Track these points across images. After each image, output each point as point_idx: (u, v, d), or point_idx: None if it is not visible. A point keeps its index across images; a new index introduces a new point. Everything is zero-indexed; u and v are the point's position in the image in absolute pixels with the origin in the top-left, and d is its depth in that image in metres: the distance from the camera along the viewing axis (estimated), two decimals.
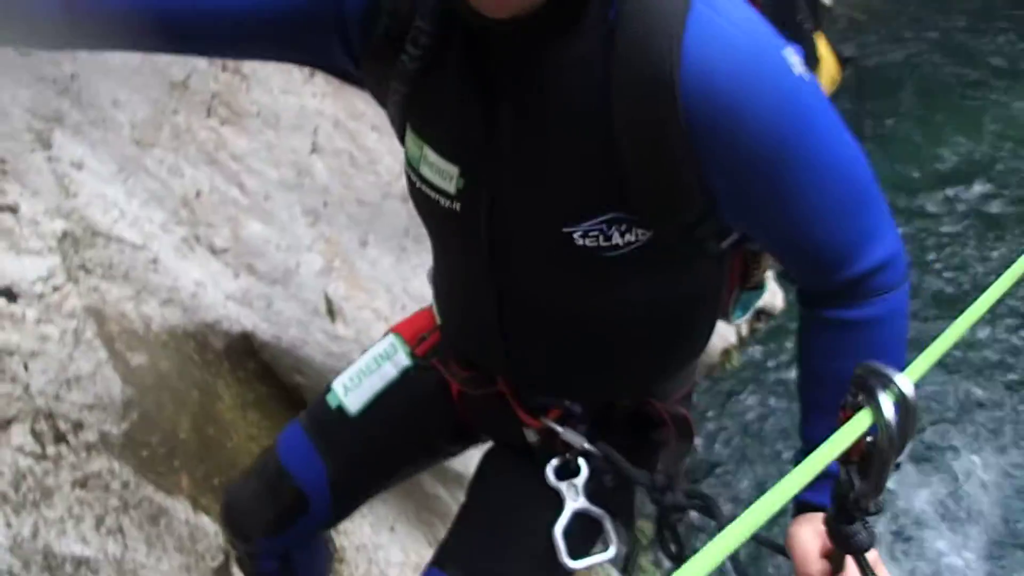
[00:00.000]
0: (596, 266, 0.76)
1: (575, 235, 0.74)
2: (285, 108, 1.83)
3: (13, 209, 1.43)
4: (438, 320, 1.03)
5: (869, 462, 0.63)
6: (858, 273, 0.75)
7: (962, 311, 0.72)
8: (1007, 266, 0.77)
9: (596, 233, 0.74)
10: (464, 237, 0.82)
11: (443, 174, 0.79)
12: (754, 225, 0.76)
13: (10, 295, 1.40)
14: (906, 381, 0.60)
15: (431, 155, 0.79)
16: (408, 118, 0.81)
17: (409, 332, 1.07)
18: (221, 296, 1.76)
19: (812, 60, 0.85)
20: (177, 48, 0.81)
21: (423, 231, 1.00)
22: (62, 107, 1.54)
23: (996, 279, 0.72)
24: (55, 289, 1.46)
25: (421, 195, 0.83)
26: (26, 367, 1.40)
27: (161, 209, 1.67)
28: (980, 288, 0.73)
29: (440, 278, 0.99)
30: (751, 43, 0.67)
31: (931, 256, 3.80)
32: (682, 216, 0.72)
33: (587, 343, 0.87)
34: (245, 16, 0.74)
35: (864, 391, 0.61)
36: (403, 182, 2.17)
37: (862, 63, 5.07)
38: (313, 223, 1.93)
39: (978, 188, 4.31)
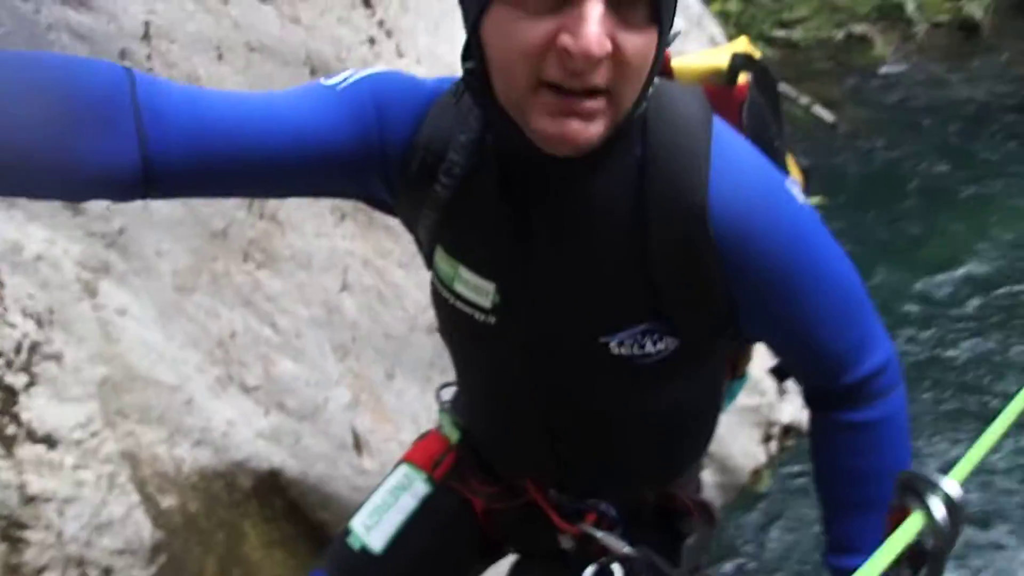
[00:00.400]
0: (631, 372, 0.83)
1: (611, 344, 0.81)
2: (317, 250, 1.93)
3: (58, 357, 1.51)
4: (451, 440, 1.05)
5: (921, 564, 0.68)
6: (859, 377, 0.85)
7: (995, 411, 0.79)
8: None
9: (631, 343, 0.81)
10: (499, 350, 0.87)
11: (479, 290, 0.84)
12: (769, 333, 0.86)
13: (51, 442, 1.45)
14: (953, 485, 0.66)
15: (465, 273, 0.85)
16: (439, 240, 0.87)
17: (422, 458, 1.10)
18: (251, 434, 1.80)
19: (785, 171, 0.97)
20: (239, 192, 0.87)
21: (448, 363, 1.03)
22: (109, 258, 1.63)
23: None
24: (93, 435, 1.51)
25: (455, 311, 0.88)
26: (61, 513, 1.43)
27: (197, 351, 1.74)
28: (1001, 380, 0.81)
29: (469, 394, 1.03)
30: (763, 178, 0.79)
31: (950, 352, 3.75)
32: (709, 325, 0.81)
33: (625, 443, 0.92)
34: (298, 157, 0.79)
35: (911, 495, 0.67)
36: (429, 315, 2.22)
37: (866, 170, 5.20)
38: (342, 358, 1.99)
39: (989, 283, 4.30)
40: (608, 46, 0.65)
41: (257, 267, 1.83)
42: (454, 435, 1.06)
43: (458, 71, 0.77)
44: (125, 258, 1.65)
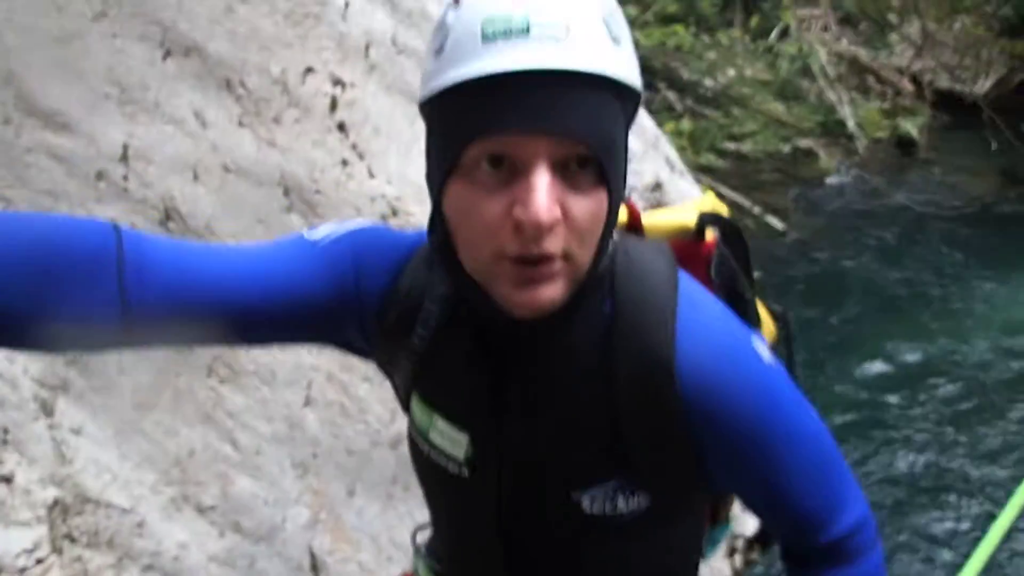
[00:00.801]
0: (603, 532, 0.83)
1: (583, 502, 0.82)
2: (281, 364, 1.92)
3: (8, 479, 1.46)
4: None
5: None
6: (837, 535, 0.84)
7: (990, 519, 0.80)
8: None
9: (603, 500, 0.81)
10: (472, 501, 0.88)
11: (453, 441, 0.85)
12: (741, 490, 0.87)
13: None
14: None
15: (440, 423, 0.85)
16: (416, 388, 0.88)
17: None
18: (204, 558, 1.73)
19: (756, 321, 0.99)
20: (218, 342, 0.89)
21: (411, 479, 1.02)
22: (69, 375, 1.61)
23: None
24: (38, 561, 1.45)
25: (429, 462, 0.88)
26: None
27: (153, 470, 1.69)
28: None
29: (442, 541, 1.01)
30: (729, 337, 0.80)
31: (915, 450, 3.82)
32: (679, 481, 0.82)
33: None
34: (276, 311, 0.81)
35: None
36: (392, 430, 2.20)
37: (814, 275, 5.41)
38: (302, 475, 1.95)
39: (945, 383, 4.45)
40: (557, 213, 0.68)
41: (220, 382, 1.82)
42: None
43: (426, 190, 0.79)
44: (85, 375, 1.62)
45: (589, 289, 0.76)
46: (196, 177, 1.71)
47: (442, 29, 0.71)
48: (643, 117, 4.09)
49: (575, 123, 0.68)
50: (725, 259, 0.93)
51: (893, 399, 4.31)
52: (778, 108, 7.42)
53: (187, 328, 0.78)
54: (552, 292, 0.72)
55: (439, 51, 0.71)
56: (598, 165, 0.70)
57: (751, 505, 0.88)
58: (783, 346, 1.08)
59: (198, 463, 1.75)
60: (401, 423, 2.15)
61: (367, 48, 2.08)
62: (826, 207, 6.66)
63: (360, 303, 0.84)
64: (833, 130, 7.48)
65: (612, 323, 0.78)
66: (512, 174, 0.69)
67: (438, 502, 0.95)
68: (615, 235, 0.80)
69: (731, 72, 7.47)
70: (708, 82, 7.28)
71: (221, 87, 1.74)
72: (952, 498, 3.64)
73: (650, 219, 0.95)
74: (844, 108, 7.59)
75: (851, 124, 7.51)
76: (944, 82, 8.30)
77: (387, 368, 0.90)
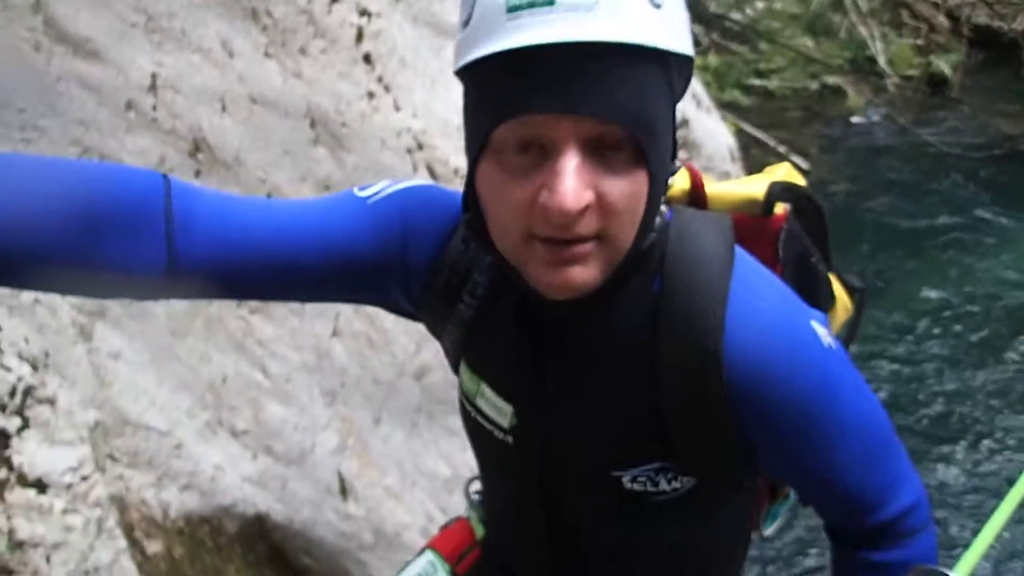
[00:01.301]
0: (644, 507, 0.81)
1: (624, 479, 0.80)
2: None
3: (52, 401, 1.51)
4: (477, 534, 1.06)
5: None
6: (886, 518, 0.82)
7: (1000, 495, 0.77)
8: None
9: (644, 479, 0.80)
10: (515, 467, 0.88)
11: (498, 410, 0.85)
12: (791, 474, 0.84)
13: (41, 486, 1.46)
14: None
15: (487, 391, 0.85)
16: (463, 355, 0.87)
17: (447, 548, 1.08)
18: (238, 479, 1.81)
19: (829, 298, 0.93)
20: (263, 296, 0.89)
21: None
22: (106, 302, 1.65)
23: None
24: (83, 479, 1.52)
25: (475, 424, 0.89)
26: (48, 559, 1.43)
27: (188, 395, 1.75)
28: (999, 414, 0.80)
29: (489, 497, 1.03)
30: (785, 321, 0.75)
31: (936, 393, 3.86)
32: (724, 467, 0.79)
33: (635, 571, 0.91)
34: (322, 269, 0.80)
35: None
36: (417, 361, 2.24)
37: (837, 215, 5.36)
38: (330, 403, 2.01)
39: (969, 324, 4.46)
40: (586, 198, 0.64)
41: (251, 312, 1.86)
42: (480, 531, 1.06)
43: (452, 124, 0.76)
44: (122, 302, 1.66)
45: (634, 268, 0.73)
46: (224, 108, 1.71)
47: None
48: None
49: (605, 101, 0.63)
50: (794, 235, 0.87)
51: (915, 339, 4.32)
52: (807, 43, 7.20)
53: (232, 282, 0.78)
54: (585, 274, 0.68)
55: (467, 21, 0.67)
56: (636, 144, 0.65)
57: (799, 488, 0.86)
58: (853, 320, 1.01)
59: (231, 389, 1.81)
60: (426, 354, 2.20)
61: None
62: (852, 146, 6.53)
63: (406, 266, 0.82)
64: (863, 67, 7.27)
65: (660, 304, 0.74)
66: (541, 156, 0.65)
67: (485, 462, 0.96)
68: (668, 209, 0.77)
69: (760, 5, 7.23)
70: (735, 15, 7.07)
71: (247, 16, 1.72)
72: (977, 445, 3.67)
73: (715, 189, 0.88)
74: (875, 44, 7.35)
75: (882, 61, 7.29)
76: (982, 17, 7.99)
77: (436, 333, 0.89)
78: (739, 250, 0.77)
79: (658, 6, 0.64)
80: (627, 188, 0.66)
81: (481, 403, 0.86)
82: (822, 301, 0.91)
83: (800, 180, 0.93)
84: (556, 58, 0.62)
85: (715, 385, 0.73)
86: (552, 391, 0.81)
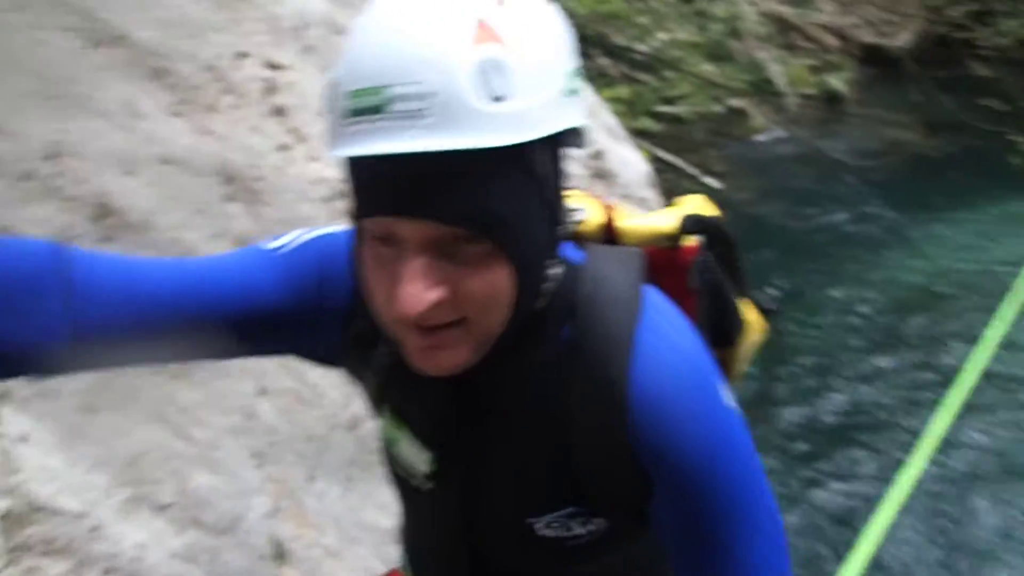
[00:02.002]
0: (561, 551, 0.82)
1: (537, 526, 0.81)
2: None
3: None
4: None
5: None
6: None
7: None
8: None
9: (557, 525, 0.80)
10: (434, 512, 0.88)
11: (417, 457, 0.85)
12: (674, 526, 0.81)
13: None
14: None
15: (406, 438, 0.85)
16: (383, 402, 0.87)
17: None
18: (165, 555, 1.72)
19: (739, 325, 0.94)
20: (177, 359, 0.86)
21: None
22: (9, 384, 1.56)
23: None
24: None
25: (395, 473, 0.88)
26: None
27: (105, 473, 1.66)
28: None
29: (410, 542, 1.02)
30: (691, 371, 0.75)
31: (838, 388, 4.02)
32: (633, 510, 0.80)
33: None
34: (233, 325, 0.78)
35: None
36: (349, 412, 2.20)
37: (751, 231, 5.59)
38: (260, 465, 1.94)
39: (875, 323, 4.69)
40: (431, 298, 0.64)
41: (171, 378, 1.78)
42: None
43: None
44: (27, 382, 1.57)
45: (535, 327, 0.74)
46: (131, 171, 1.66)
47: (330, 84, 0.67)
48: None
49: (445, 206, 0.63)
50: (706, 266, 0.88)
51: (823, 331, 4.54)
52: (710, 69, 7.52)
53: (140, 346, 0.75)
54: (454, 358, 0.69)
55: (327, 108, 0.67)
56: (493, 238, 0.65)
57: (682, 540, 0.81)
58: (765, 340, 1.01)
59: (152, 462, 1.73)
60: (357, 405, 2.15)
61: (302, 30, 2.03)
62: (760, 164, 6.83)
63: (323, 314, 0.81)
64: (763, 89, 7.64)
65: (570, 352, 0.74)
66: (400, 250, 0.66)
67: (407, 508, 0.95)
68: (580, 250, 0.78)
69: (662, 35, 7.51)
70: (641, 47, 7.32)
71: (152, 76, 1.67)
72: (871, 435, 3.85)
73: (627, 224, 0.89)
74: (773, 67, 7.74)
75: (780, 82, 7.67)
76: (868, 36, 8.54)
77: (355, 378, 0.88)
78: (650, 292, 0.78)
79: (498, 99, 0.62)
80: (484, 282, 0.66)
81: (401, 449, 0.86)
82: (734, 328, 0.93)
83: (712, 210, 0.94)
84: (393, 165, 0.62)
85: (621, 432, 0.73)
86: (468, 439, 0.81)
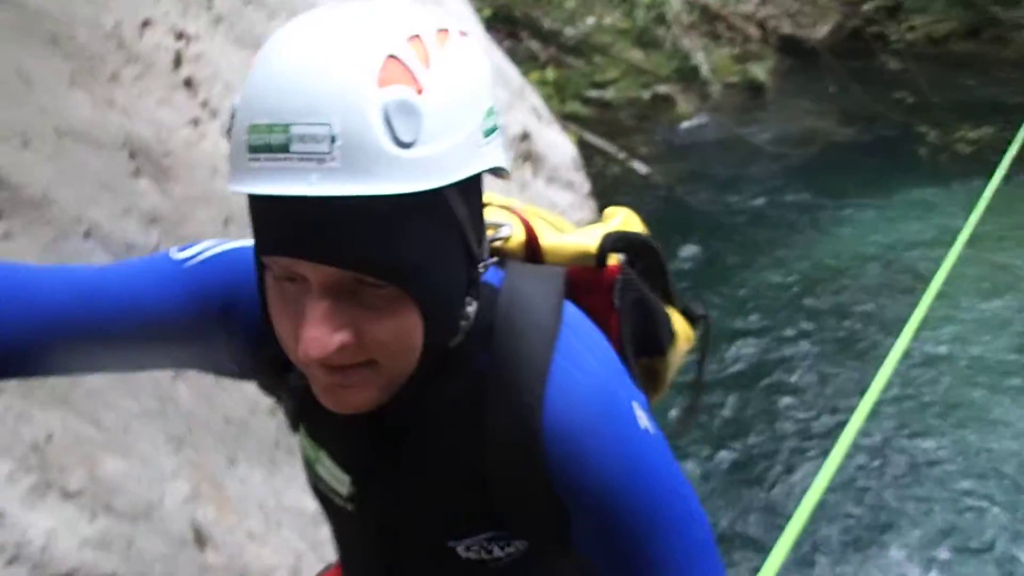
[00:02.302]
0: (482, 573, 0.81)
1: (458, 549, 0.80)
2: None
3: None
4: None
5: None
6: None
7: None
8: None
9: (478, 548, 0.80)
10: (358, 532, 0.87)
11: (336, 479, 0.83)
12: (602, 560, 0.80)
13: None
14: None
15: (326, 460, 0.83)
16: (301, 421, 0.85)
17: None
18: (76, 543, 1.65)
19: (669, 336, 0.94)
20: (72, 372, 0.82)
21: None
22: None
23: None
24: None
25: (317, 489, 0.87)
26: None
27: (7, 459, 1.58)
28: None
29: (341, 558, 1.00)
30: (603, 397, 0.74)
31: (776, 367, 4.17)
32: (552, 534, 0.79)
33: None
34: (132, 338, 0.75)
35: None
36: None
37: (676, 214, 5.71)
38: (177, 449, 1.88)
39: (799, 303, 4.88)
40: (334, 342, 0.63)
41: (65, 375, 1.71)
42: None
43: None
44: None
45: (448, 361, 0.73)
46: (25, 144, 1.58)
47: (232, 111, 0.64)
48: (508, 67, 4.10)
49: (346, 252, 0.61)
50: (629, 284, 0.87)
51: (755, 321, 4.68)
52: (637, 56, 7.63)
53: (35, 361, 0.72)
54: (361, 397, 0.68)
55: (227, 135, 0.64)
56: (400, 284, 0.63)
57: (603, 566, 0.80)
58: (699, 349, 1.02)
59: (58, 447, 1.66)
60: None
61: None
62: (685, 150, 6.99)
63: (231, 332, 0.78)
64: (688, 76, 7.80)
65: (486, 379, 0.73)
66: (304, 288, 0.64)
67: (332, 525, 0.94)
68: (499, 270, 0.76)
69: (590, 20, 7.58)
70: (569, 31, 7.37)
71: (47, 42, 1.59)
72: (804, 410, 4.01)
73: (549, 243, 0.87)
74: (698, 55, 7.91)
75: (704, 70, 7.85)
76: (787, 28, 8.81)
77: (270, 393, 0.86)
78: (571, 313, 0.77)
79: (407, 145, 0.60)
80: (390, 326, 0.65)
81: (320, 470, 0.85)
82: (663, 340, 0.92)
83: (638, 224, 0.94)
84: (295, 206, 0.60)
85: (534, 459, 0.72)
86: (385, 465, 0.80)
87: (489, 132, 0.66)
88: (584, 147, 5.50)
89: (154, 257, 0.79)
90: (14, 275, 0.72)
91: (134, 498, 1.75)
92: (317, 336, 0.62)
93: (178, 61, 1.90)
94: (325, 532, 2.20)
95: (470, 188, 0.67)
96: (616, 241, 0.87)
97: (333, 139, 0.58)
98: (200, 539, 1.89)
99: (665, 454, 0.78)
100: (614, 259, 0.87)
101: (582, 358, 0.75)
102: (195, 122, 1.92)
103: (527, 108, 3.33)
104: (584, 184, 4.08)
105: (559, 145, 4.02)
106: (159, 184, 1.85)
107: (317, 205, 0.59)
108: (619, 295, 0.86)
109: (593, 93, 7.09)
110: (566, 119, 5.95)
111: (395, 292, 0.64)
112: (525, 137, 3.67)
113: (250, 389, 2.15)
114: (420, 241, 0.64)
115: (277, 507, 2.06)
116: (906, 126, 7.11)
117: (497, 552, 0.79)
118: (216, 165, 1.97)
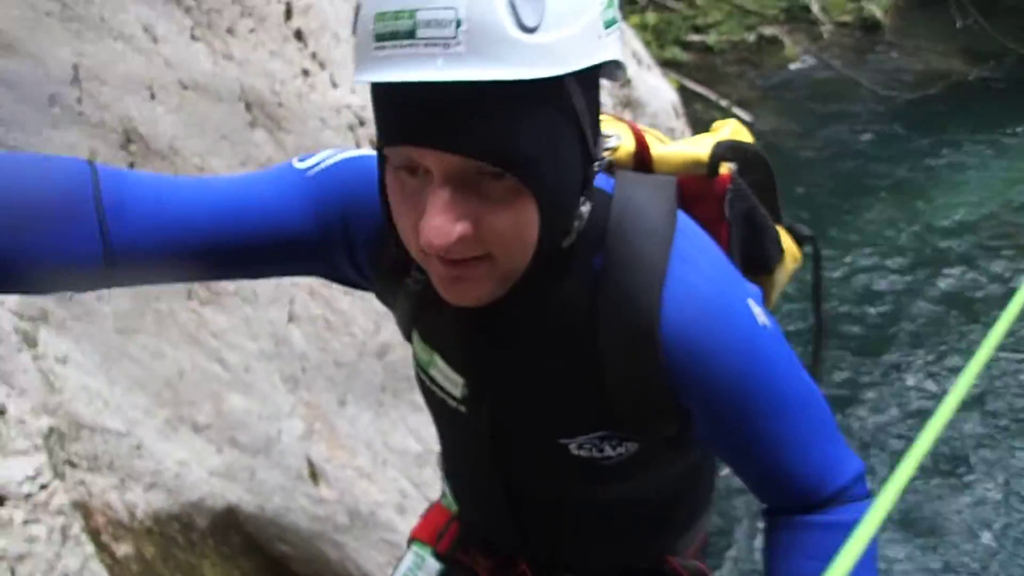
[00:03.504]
0: (594, 471, 0.83)
1: (571, 446, 0.82)
2: (262, 283, 1.92)
3: (1, 411, 1.47)
4: (452, 510, 1.07)
5: None
6: (827, 495, 0.82)
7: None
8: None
9: (590, 446, 0.81)
10: (469, 434, 0.89)
11: (450, 380, 0.86)
12: (728, 453, 0.83)
13: None
14: None
15: (440, 362, 0.86)
16: (415, 327, 0.87)
17: (427, 533, 1.09)
18: (205, 473, 1.78)
19: (778, 252, 0.94)
20: (206, 277, 0.87)
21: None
22: (47, 306, 1.60)
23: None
24: (42, 487, 1.48)
25: (430, 392, 0.90)
26: (13, 572, 1.40)
27: (144, 394, 1.71)
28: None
29: (448, 466, 1.04)
30: (720, 299, 0.75)
31: (879, 322, 3.98)
32: (665, 434, 0.81)
33: (597, 524, 0.93)
34: (263, 246, 0.78)
35: None
36: (378, 340, 2.23)
37: (782, 164, 5.46)
38: (293, 389, 1.98)
39: (913, 259, 4.61)
40: (456, 231, 0.64)
41: (201, 304, 1.82)
42: (454, 506, 1.07)
43: None
44: (64, 305, 1.61)
45: (564, 261, 0.73)
46: (153, 96, 1.66)
47: (357, 5, 0.65)
48: None
49: (471, 139, 0.61)
50: (740, 194, 0.86)
51: (863, 278, 4.47)
52: None
53: (172, 264, 0.76)
54: (479, 291, 0.69)
55: (354, 30, 0.65)
56: (518, 174, 0.63)
57: (737, 469, 0.84)
58: (812, 270, 1.01)
59: (188, 383, 1.78)
60: (386, 333, 2.18)
61: None
62: (792, 95, 6.64)
63: (351, 239, 0.80)
64: (798, 16, 7.36)
65: (600, 280, 0.74)
66: (425, 181, 0.65)
67: (442, 429, 0.97)
68: (611, 178, 0.76)
69: None
70: None
71: None
72: (912, 374, 3.82)
73: (660, 152, 0.86)
74: None
75: (816, 8, 7.39)
76: None
77: (386, 301, 0.88)
78: (682, 219, 0.77)
79: (531, 30, 0.60)
80: (508, 218, 0.65)
81: (434, 373, 0.87)
82: (771, 255, 0.92)
83: (747, 136, 0.92)
84: (420, 93, 0.60)
85: (652, 360, 0.73)
86: (500, 365, 0.81)
87: (609, 24, 0.66)
88: (684, 94, 5.31)
89: (278, 169, 0.82)
90: (158, 187, 0.76)
91: (255, 433, 1.87)
92: (439, 225, 0.64)
93: (288, 13, 1.94)
94: (428, 472, 2.28)
95: (589, 80, 0.66)
96: (728, 150, 0.85)
97: (459, 23, 0.58)
98: (314, 474, 2.00)
99: (782, 345, 0.79)
100: (724, 169, 0.86)
101: (697, 262, 0.75)
102: (305, 73, 1.97)
103: (627, 53, 3.24)
104: (685, 131, 3.96)
105: (660, 91, 3.90)
106: (273, 135, 1.92)
107: (441, 91, 0.60)
108: (730, 205, 0.86)
109: (695, 37, 6.81)
110: (666, 65, 5.75)
111: (514, 184, 0.64)
112: (626, 83, 3.58)
113: (359, 333, 2.23)
114: (541, 132, 0.64)
115: (384, 447, 2.15)
116: None
117: (608, 451, 0.81)
118: (325, 117, 2.02)
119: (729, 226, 0.86)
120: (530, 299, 0.75)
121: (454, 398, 0.86)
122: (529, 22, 0.59)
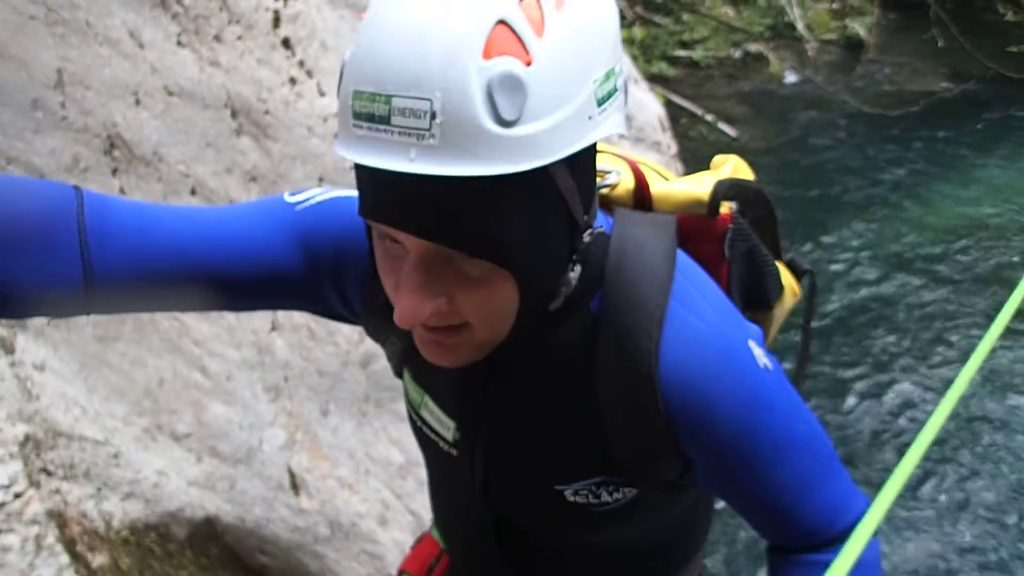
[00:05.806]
0: (589, 517, 0.82)
1: (567, 493, 0.80)
2: None
3: None
4: (441, 544, 1.06)
5: None
6: (833, 535, 0.81)
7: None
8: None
9: (587, 492, 0.80)
10: (461, 478, 0.87)
11: (441, 423, 0.84)
12: (728, 492, 0.82)
13: None
14: None
15: (431, 404, 0.84)
16: (406, 365, 0.86)
17: (416, 565, 1.08)
18: (183, 483, 1.76)
19: (777, 289, 0.93)
20: (187, 308, 0.85)
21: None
22: None
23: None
24: (16, 496, 1.45)
25: (421, 433, 0.88)
26: None
27: (123, 402, 1.69)
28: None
29: (438, 504, 1.02)
30: (721, 341, 0.73)
31: (864, 334, 4.02)
32: (664, 479, 0.79)
33: (591, 569, 0.92)
34: (247, 280, 0.77)
35: None
36: (361, 349, 2.21)
37: (766, 181, 5.50)
38: (275, 398, 1.97)
39: (896, 273, 4.66)
40: (427, 311, 0.63)
41: (183, 312, 1.80)
42: (443, 540, 1.06)
43: None
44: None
45: (557, 313, 0.72)
46: (138, 102, 1.65)
47: (342, 67, 0.63)
48: None
49: (444, 228, 0.60)
50: (741, 233, 0.85)
51: (844, 293, 4.51)
52: (728, 12, 7.34)
53: (153, 294, 0.75)
54: (459, 356, 0.68)
55: (338, 91, 0.63)
56: (491, 254, 0.62)
57: (740, 510, 0.83)
58: (808, 300, 1.01)
59: (168, 392, 1.76)
60: (370, 343, 2.17)
61: None
62: (777, 111, 6.71)
63: (341, 276, 0.79)
64: (783, 33, 7.45)
65: (599, 323, 0.72)
66: (404, 252, 0.64)
67: (432, 469, 0.96)
68: (609, 217, 0.75)
69: None
70: None
71: (155, 5, 1.65)
72: (904, 381, 3.85)
73: (660, 190, 0.84)
74: (793, 10, 7.54)
75: (800, 26, 7.48)
76: None
77: (377, 338, 0.87)
78: (682, 259, 0.76)
79: (510, 123, 0.57)
80: (484, 295, 0.64)
81: (425, 414, 0.86)
82: (771, 293, 0.90)
83: (748, 173, 0.91)
84: (393, 180, 0.58)
85: (651, 404, 0.72)
86: (493, 409, 0.80)
87: (605, 98, 0.62)
88: (670, 108, 5.35)
89: (269, 200, 0.81)
90: (143, 215, 0.75)
91: (236, 443, 1.85)
92: (411, 304, 0.63)
93: (276, 21, 1.94)
94: (411, 483, 2.27)
95: (578, 159, 0.62)
96: (729, 189, 0.84)
97: (433, 115, 0.56)
98: (295, 484, 1.98)
99: (784, 386, 0.77)
100: (725, 208, 0.84)
101: (697, 303, 0.73)
102: (292, 81, 1.97)
103: None
104: (671, 145, 3.98)
105: (647, 106, 3.92)
106: (258, 143, 1.91)
107: (415, 181, 0.58)
108: (730, 244, 0.84)
109: (681, 53, 6.87)
110: (652, 80, 5.80)
111: (490, 265, 0.63)
112: None
113: (342, 343, 2.22)
114: (518, 218, 0.61)
115: (366, 457, 2.13)
116: (1022, 83, 6.62)
117: (605, 497, 0.79)
118: (311, 125, 2.01)
119: (729, 265, 0.85)
120: (525, 342, 0.74)
121: (446, 441, 0.84)
122: (508, 116, 0.56)
